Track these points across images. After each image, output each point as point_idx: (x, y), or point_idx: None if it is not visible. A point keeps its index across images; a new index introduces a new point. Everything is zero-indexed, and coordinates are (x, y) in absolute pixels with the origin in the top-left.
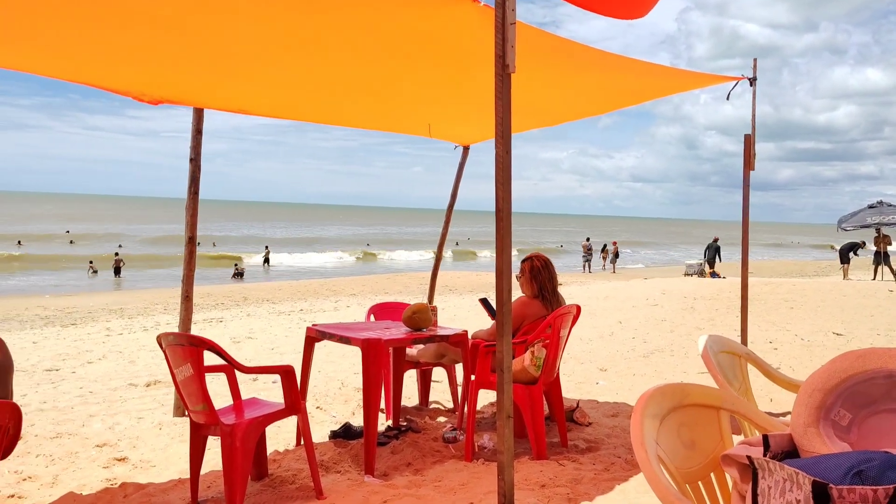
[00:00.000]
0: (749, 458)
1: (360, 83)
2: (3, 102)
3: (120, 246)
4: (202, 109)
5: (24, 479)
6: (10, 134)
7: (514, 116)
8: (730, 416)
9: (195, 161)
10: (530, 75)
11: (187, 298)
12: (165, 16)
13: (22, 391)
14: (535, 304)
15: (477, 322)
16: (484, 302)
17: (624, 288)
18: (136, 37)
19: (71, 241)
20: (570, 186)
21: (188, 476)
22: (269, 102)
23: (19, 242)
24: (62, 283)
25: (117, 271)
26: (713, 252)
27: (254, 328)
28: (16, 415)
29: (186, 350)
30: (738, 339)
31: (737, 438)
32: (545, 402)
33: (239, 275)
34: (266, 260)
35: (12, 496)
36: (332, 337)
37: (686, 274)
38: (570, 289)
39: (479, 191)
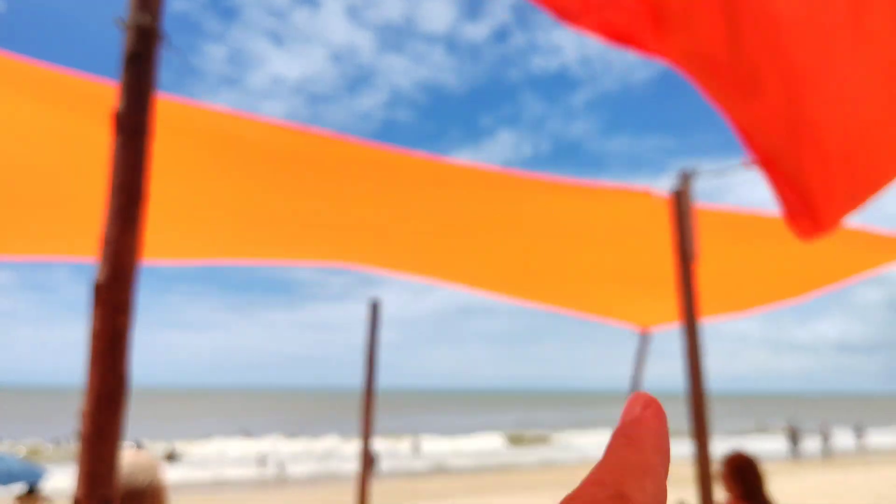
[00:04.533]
0: None
1: (544, 275)
2: (199, 306)
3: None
4: (377, 314)
5: None
6: (197, 333)
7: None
8: None
9: (371, 358)
10: (715, 260)
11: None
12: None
13: None
14: None
15: None
16: None
17: (842, 480)
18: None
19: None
20: (760, 360)
21: None
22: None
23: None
24: (238, 481)
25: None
26: None
27: None
28: None
29: None
30: None
31: None
32: None
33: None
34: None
35: None
36: None
37: None
38: (778, 479)
39: (653, 370)
